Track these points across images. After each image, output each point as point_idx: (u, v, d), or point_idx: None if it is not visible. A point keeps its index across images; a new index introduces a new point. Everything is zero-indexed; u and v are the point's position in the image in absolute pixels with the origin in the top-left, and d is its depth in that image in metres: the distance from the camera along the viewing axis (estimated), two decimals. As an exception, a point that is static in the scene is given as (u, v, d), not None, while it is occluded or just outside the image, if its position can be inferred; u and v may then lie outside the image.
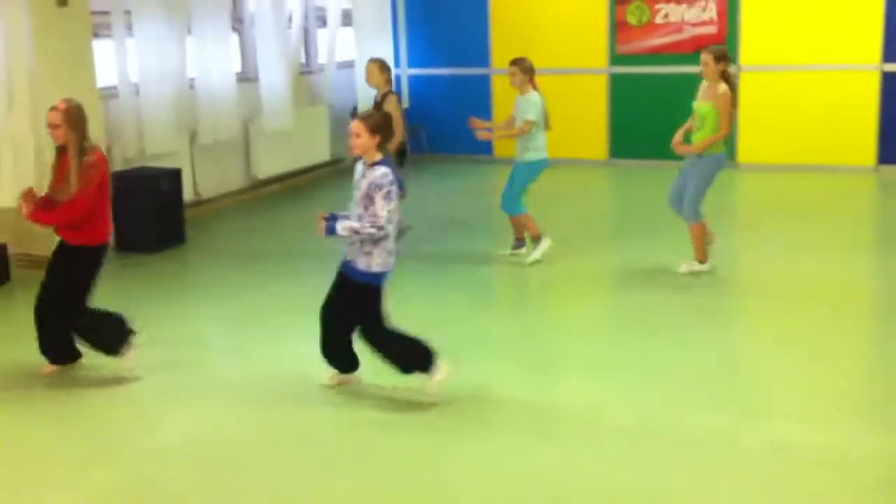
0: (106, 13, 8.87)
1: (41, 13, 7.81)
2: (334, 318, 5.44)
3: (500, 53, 12.51)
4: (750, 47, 11.54)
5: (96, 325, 5.94)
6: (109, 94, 8.99)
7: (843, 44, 11.11)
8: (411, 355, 5.37)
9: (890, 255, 8.06)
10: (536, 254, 7.94)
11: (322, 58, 12.09)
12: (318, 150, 11.97)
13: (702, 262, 7.54)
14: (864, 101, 11.07)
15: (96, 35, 8.66)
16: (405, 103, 13.02)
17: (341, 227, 5.15)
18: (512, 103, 8.09)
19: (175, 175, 9.05)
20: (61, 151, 5.73)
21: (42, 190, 6.12)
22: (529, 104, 7.80)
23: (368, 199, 5.14)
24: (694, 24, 11.70)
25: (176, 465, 4.81)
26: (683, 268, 7.54)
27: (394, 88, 8.73)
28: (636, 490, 4.43)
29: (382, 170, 5.17)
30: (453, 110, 12.63)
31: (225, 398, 5.60)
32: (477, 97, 12.59)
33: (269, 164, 11.04)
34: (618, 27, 12.01)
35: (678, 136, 7.52)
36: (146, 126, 9.19)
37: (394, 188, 5.17)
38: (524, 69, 7.82)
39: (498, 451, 4.82)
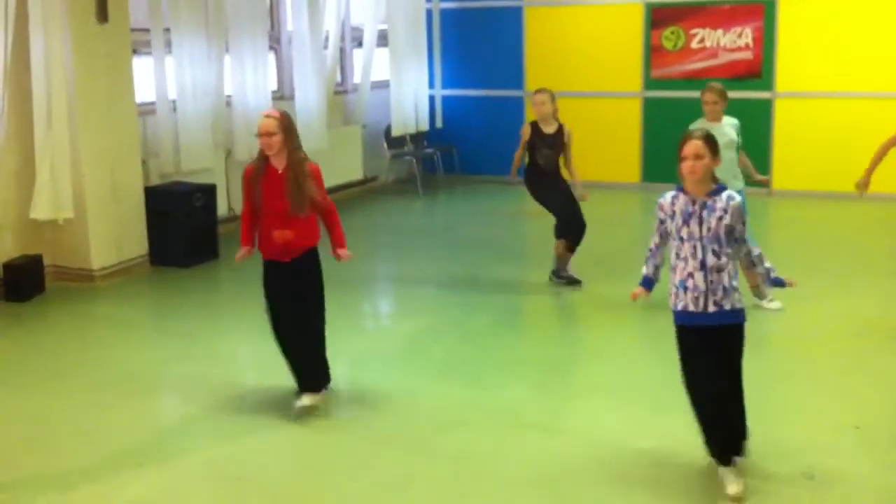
0: (145, 30, 9.00)
1: (81, 30, 7.93)
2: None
3: (534, 76, 12.53)
4: (786, 74, 11.49)
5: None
6: (147, 110, 9.11)
7: (879, 71, 11.03)
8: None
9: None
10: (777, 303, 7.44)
11: (357, 78, 12.17)
12: (351, 169, 12.03)
13: None
14: (902, 129, 10.96)
15: (135, 52, 8.78)
16: (438, 123, 13.08)
17: (772, 267, 4.71)
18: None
19: (210, 191, 9.14)
20: (265, 162, 5.43)
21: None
22: (739, 128, 7.48)
23: (729, 230, 4.49)
24: (730, 50, 11.66)
25: (200, 482, 4.83)
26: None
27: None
28: (663, 517, 4.39)
29: (737, 195, 4.56)
30: (486, 132, 12.67)
31: (250, 416, 5.61)
32: (510, 119, 12.60)
33: (302, 182, 11.09)
34: (653, 51, 12.00)
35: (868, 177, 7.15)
36: (182, 142, 9.29)
37: None
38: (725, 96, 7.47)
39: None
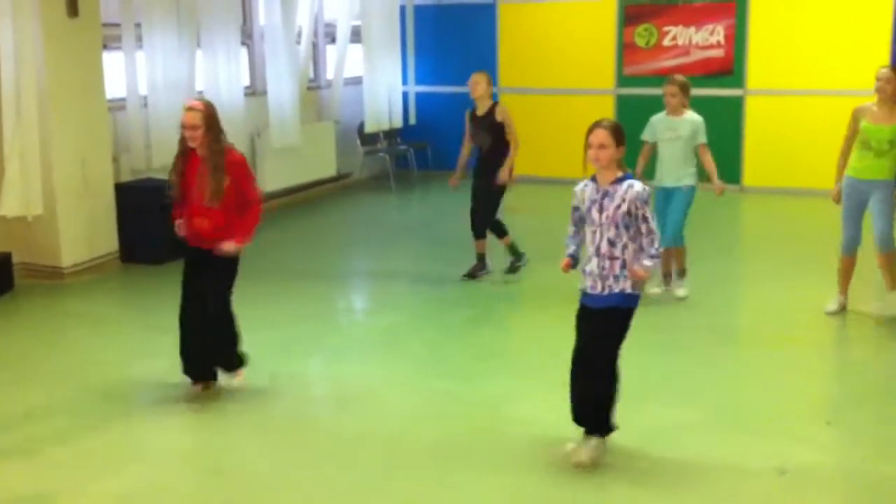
0: (116, 25, 8.92)
1: (51, 24, 7.85)
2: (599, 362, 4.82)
3: (508, 73, 12.55)
4: (757, 71, 11.56)
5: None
6: (118, 105, 9.03)
7: (850, 69, 11.12)
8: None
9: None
10: (682, 291, 7.51)
11: (330, 74, 12.13)
12: (325, 166, 11.99)
13: None
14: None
15: (106, 47, 8.70)
16: (412, 120, 13.06)
17: (651, 263, 4.67)
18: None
19: (181, 187, 9.06)
20: (188, 154, 5.49)
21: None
22: (701, 124, 7.40)
23: (629, 216, 4.62)
24: (702, 48, 11.73)
25: (181, 478, 4.80)
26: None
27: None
28: (637, 512, 4.42)
29: (638, 184, 4.67)
30: (460, 128, 12.61)
31: (227, 413, 5.59)
32: (484, 116, 12.61)
33: (275, 178, 11.05)
34: (625, 49, 12.05)
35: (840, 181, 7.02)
36: (154, 138, 9.21)
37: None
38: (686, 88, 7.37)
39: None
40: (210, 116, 5.40)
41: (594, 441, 4.82)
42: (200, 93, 9.82)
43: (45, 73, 7.83)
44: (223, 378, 5.77)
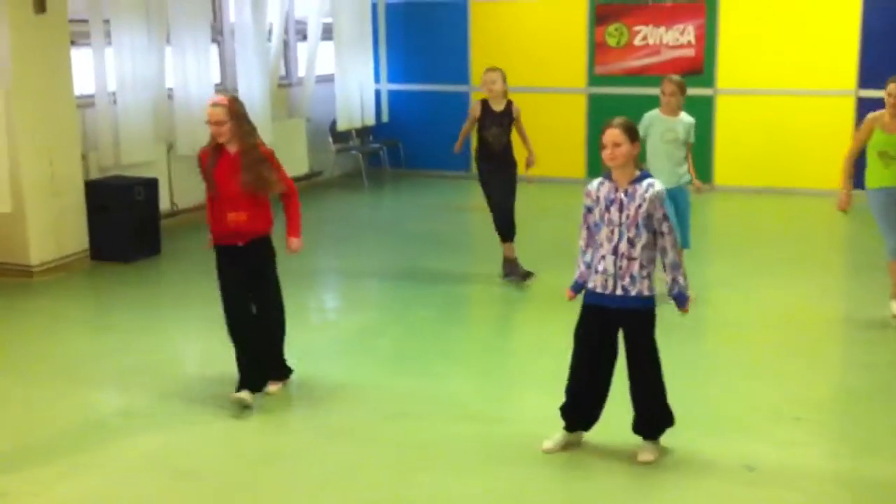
0: (84, 21, 8.83)
1: (18, 20, 7.76)
2: (612, 365, 4.89)
3: (480, 71, 12.43)
4: (727, 71, 11.64)
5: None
6: (87, 102, 8.95)
7: (819, 69, 11.23)
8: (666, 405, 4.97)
9: (862, 279, 8.12)
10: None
11: (301, 71, 12.09)
12: (296, 163, 11.93)
13: None
14: (839, 126, 11.17)
15: (74, 43, 8.62)
16: (384, 118, 13.04)
17: (682, 283, 4.72)
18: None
19: (152, 184, 9.01)
20: (219, 147, 5.41)
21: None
22: (692, 126, 7.40)
23: (648, 217, 4.60)
24: (672, 47, 11.78)
25: (145, 480, 4.77)
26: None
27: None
28: (607, 509, 4.44)
29: (658, 183, 4.66)
30: (432, 126, 12.64)
31: (193, 409, 5.56)
32: (456, 114, 12.58)
33: (246, 176, 11.00)
34: (597, 48, 12.08)
35: (848, 189, 6.93)
36: (123, 135, 9.15)
37: None
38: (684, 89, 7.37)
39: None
40: (235, 111, 5.34)
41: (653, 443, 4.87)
42: (170, 90, 9.77)
43: (12, 71, 7.75)
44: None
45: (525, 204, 8.73)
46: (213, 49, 10.56)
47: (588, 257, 4.82)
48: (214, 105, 5.34)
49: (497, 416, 5.44)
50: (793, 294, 7.63)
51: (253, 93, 10.58)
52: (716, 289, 7.91)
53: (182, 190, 10.11)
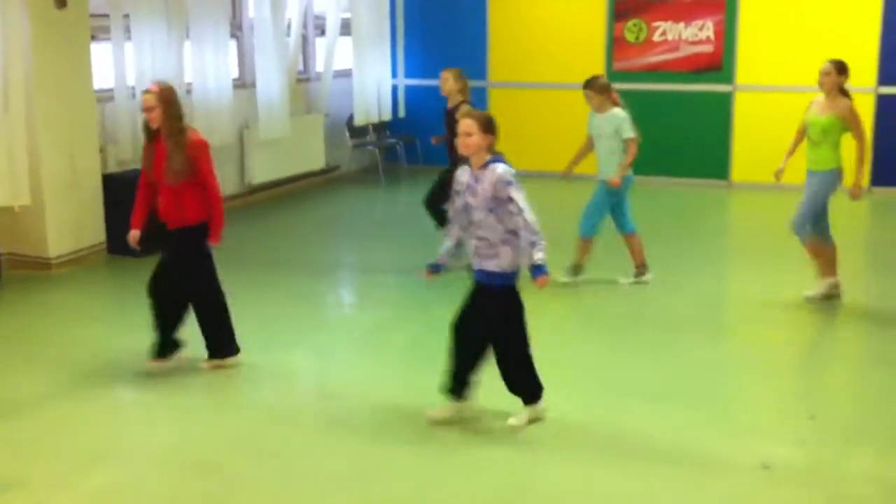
0: (104, 16, 8.88)
1: (40, 15, 7.81)
2: (479, 334, 5.18)
3: (498, 66, 12.55)
4: (746, 67, 11.58)
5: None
6: (106, 96, 8.99)
7: (839, 66, 11.15)
8: (534, 372, 5.25)
9: (886, 278, 8.08)
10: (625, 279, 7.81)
11: (319, 66, 12.11)
12: (313, 158, 11.97)
13: (829, 278, 7.28)
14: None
15: (94, 38, 8.66)
16: (401, 113, 13.04)
17: (539, 256, 4.87)
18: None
19: (169, 179, 9.04)
20: (154, 135, 5.72)
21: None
22: (623, 120, 7.64)
23: (496, 199, 4.93)
24: (691, 43, 11.73)
25: (166, 472, 4.80)
26: (809, 293, 7.28)
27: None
28: (622, 506, 4.43)
29: (502, 165, 4.96)
30: (449, 122, 12.63)
31: (212, 405, 5.59)
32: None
33: (263, 171, 11.04)
34: (615, 43, 12.05)
35: (784, 164, 7.41)
36: (141, 129, 9.16)
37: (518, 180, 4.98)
38: (599, 88, 7.63)
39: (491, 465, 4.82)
40: (166, 98, 5.60)
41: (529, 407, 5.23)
42: (189, 85, 9.80)
43: (33, 65, 7.80)
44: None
45: (542, 201, 8.71)
46: (232, 44, 10.58)
47: (450, 242, 5.21)
48: (146, 92, 5.67)
49: (516, 410, 5.43)
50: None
51: (271, 88, 10.60)
52: (733, 286, 7.89)
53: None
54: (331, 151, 12.21)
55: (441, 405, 5.27)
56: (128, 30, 8.99)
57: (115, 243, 8.61)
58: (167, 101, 5.60)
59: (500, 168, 4.94)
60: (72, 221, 8.31)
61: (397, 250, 9.13)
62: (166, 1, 9.28)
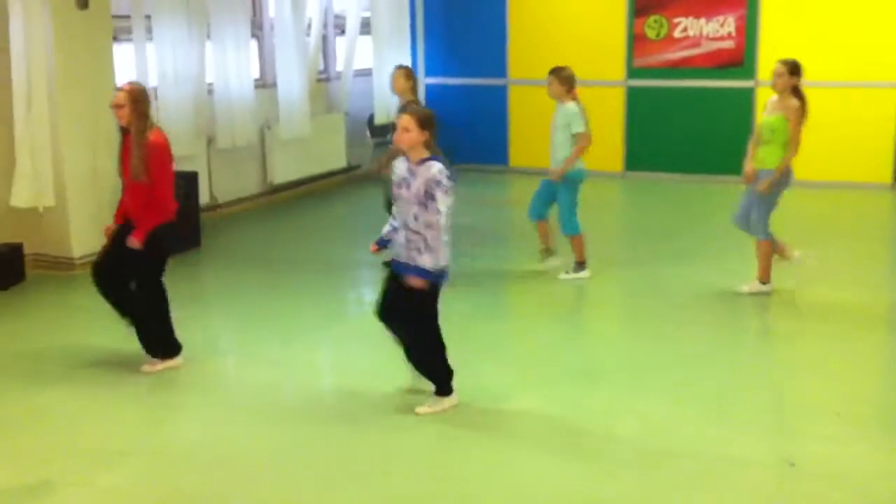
0: (126, 17, 8.93)
1: (62, 16, 7.86)
2: (406, 322, 5.35)
3: (518, 64, 12.52)
4: (768, 63, 11.45)
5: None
6: (128, 97, 9.03)
7: (862, 61, 11.07)
8: (443, 367, 5.38)
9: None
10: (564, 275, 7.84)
11: (340, 65, 12.13)
12: (335, 157, 11.99)
13: (764, 282, 7.34)
14: (883, 118, 11.02)
15: (116, 38, 8.71)
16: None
17: (428, 262, 5.06)
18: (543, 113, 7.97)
19: (192, 178, 9.09)
20: (125, 133, 5.85)
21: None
22: (573, 115, 7.63)
23: (426, 196, 5.04)
24: (712, 39, 11.67)
25: (187, 469, 4.82)
26: (745, 288, 7.36)
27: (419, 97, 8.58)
28: None
29: (438, 166, 5.07)
30: (470, 120, 12.64)
31: (234, 403, 5.61)
32: (493, 107, 12.59)
33: (285, 170, 11.08)
34: (636, 40, 12.00)
35: (750, 165, 7.36)
36: (163, 129, 9.19)
37: (450, 184, 5.10)
38: (562, 79, 7.64)
39: (505, 461, 4.82)
40: (135, 97, 5.73)
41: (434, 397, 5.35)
42: (210, 85, 9.85)
43: (56, 66, 7.85)
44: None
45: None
46: (253, 44, 10.62)
47: (396, 223, 5.27)
48: (118, 90, 5.82)
49: (534, 410, 5.42)
50: (847, 290, 7.53)
51: (292, 87, 10.64)
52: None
53: (222, 184, 10.19)
54: (352, 150, 12.24)
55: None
56: (149, 30, 9.04)
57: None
58: (136, 99, 5.71)
59: (436, 167, 5.03)
60: (94, 221, 8.34)
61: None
62: (187, 2, 9.33)
